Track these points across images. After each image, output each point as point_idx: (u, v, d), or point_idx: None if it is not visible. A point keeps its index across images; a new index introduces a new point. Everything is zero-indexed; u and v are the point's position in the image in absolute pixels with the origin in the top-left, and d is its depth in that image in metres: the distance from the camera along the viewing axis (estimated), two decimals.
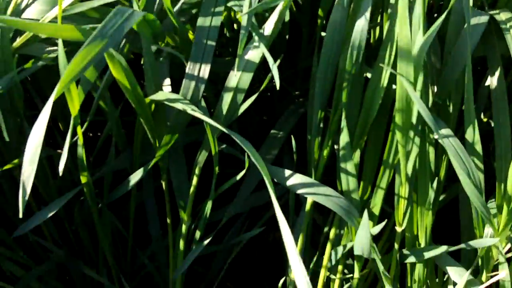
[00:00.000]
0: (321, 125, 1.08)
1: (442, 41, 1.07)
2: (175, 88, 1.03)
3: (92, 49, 0.82)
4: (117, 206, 1.27)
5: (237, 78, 0.98)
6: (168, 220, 1.18)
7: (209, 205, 1.10)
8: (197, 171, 1.07)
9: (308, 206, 1.13)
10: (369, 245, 1.02)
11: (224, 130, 0.95)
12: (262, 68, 1.12)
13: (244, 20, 0.93)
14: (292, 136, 1.16)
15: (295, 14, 1.23)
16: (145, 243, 1.34)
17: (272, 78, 1.28)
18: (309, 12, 1.22)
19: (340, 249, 1.13)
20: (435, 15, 1.25)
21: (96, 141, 1.17)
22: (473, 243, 1.02)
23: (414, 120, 0.98)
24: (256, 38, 0.95)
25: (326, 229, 1.21)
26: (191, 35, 1.04)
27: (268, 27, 0.96)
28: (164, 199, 1.15)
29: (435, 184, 1.02)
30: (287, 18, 1.19)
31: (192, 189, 1.09)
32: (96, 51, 0.83)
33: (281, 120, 1.23)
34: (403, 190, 1.03)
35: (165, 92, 1.02)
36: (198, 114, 0.94)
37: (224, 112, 1.00)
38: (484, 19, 1.02)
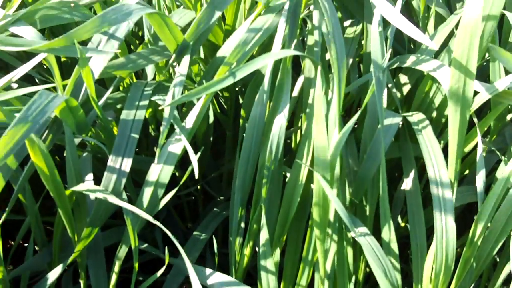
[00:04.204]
0: (242, 224, 1.09)
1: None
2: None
3: (16, 132, 0.84)
4: None
5: (158, 171, 0.99)
6: None
7: None
8: (116, 268, 1.06)
9: None
10: None
11: (149, 218, 0.95)
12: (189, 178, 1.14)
13: (166, 112, 0.96)
14: (213, 237, 1.17)
15: (220, 116, 1.26)
16: None
17: (196, 182, 1.31)
18: (233, 115, 1.26)
19: None
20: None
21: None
22: None
23: (331, 217, 1.00)
24: (178, 131, 0.98)
25: None
26: (115, 130, 1.06)
27: (190, 120, 0.99)
28: None
29: (352, 285, 1.03)
30: (211, 119, 1.22)
31: None
32: (20, 134, 0.84)
33: (204, 222, 1.24)
34: None
35: (86, 183, 1.03)
36: (118, 202, 0.95)
37: (145, 205, 1.00)
38: (397, 120, 1.07)
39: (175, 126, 0.98)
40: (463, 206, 1.23)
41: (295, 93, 1.18)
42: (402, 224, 1.26)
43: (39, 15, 1.05)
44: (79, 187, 0.98)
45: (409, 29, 0.99)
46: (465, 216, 1.25)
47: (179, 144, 0.98)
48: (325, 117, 0.99)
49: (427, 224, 1.07)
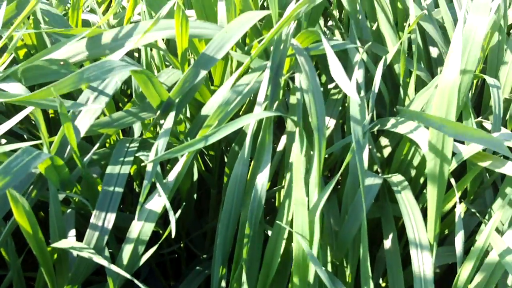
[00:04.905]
0: (223, 283, 1.09)
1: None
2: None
3: None
4: None
5: (138, 228, 1.00)
6: None
7: None
8: None
9: None
10: None
11: (127, 276, 0.95)
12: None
13: (149, 169, 0.97)
14: None
15: (204, 174, 1.28)
16: None
17: (180, 239, 1.32)
18: (218, 173, 1.28)
19: None
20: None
21: None
22: None
23: (311, 279, 1.01)
24: (159, 189, 0.99)
25: None
26: (99, 187, 1.07)
27: (172, 176, 1.00)
28: None
29: None
30: (195, 176, 1.24)
31: None
32: None
33: (187, 280, 1.24)
34: None
35: (68, 240, 1.03)
36: (99, 260, 0.95)
37: (125, 262, 1.01)
38: (377, 181, 1.09)
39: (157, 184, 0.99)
40: (445, 267, 1.23)
41: (279, 150, 1.19)
42: (383, 285, 1.26)
43: (28, 72, 1.07)
44: (61, 244, 0.99)
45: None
46: (447, 277, 1.25)
47: (160, 202, 1.00)
48: (305, 178, 1.01)
49: (408, 284, 1.07)
